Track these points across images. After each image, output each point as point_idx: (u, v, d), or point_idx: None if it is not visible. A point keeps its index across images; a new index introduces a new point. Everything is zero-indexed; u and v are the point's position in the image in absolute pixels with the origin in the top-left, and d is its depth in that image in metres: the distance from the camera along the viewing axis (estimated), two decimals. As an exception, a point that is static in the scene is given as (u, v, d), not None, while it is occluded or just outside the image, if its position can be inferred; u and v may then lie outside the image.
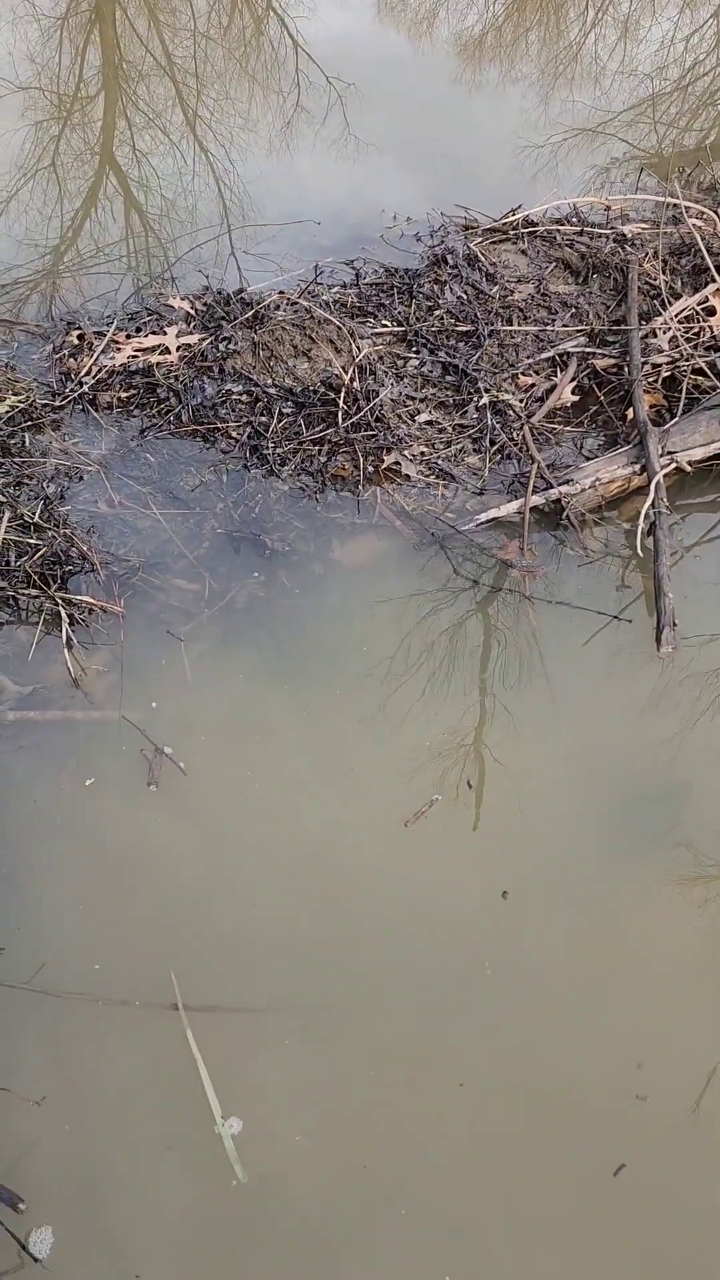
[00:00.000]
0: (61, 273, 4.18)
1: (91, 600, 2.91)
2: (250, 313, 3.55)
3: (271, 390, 3.42)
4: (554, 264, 3.90)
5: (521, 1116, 2.23)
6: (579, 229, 4.02)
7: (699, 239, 3.69)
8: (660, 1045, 2.33)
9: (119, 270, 4.21)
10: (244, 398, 3.41)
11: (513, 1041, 2.32)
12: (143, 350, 3.46)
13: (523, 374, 3.59)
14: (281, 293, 3.72)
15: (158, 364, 3.44)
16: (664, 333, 3.59)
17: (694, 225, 3.89)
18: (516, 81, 6.06)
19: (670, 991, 2.44)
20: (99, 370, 3.40)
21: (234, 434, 3.34)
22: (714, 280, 3.65)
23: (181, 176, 4.92)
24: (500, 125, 5.43)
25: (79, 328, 3.54)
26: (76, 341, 3.48)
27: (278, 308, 3.59)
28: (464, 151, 5.21)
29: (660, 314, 3.65)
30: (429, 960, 2.42)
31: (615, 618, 3.09)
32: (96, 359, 3.41)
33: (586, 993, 2.40)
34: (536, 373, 3.60)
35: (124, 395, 3.39)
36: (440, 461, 3.37)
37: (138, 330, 3.56)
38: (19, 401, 3.30)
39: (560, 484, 3.26)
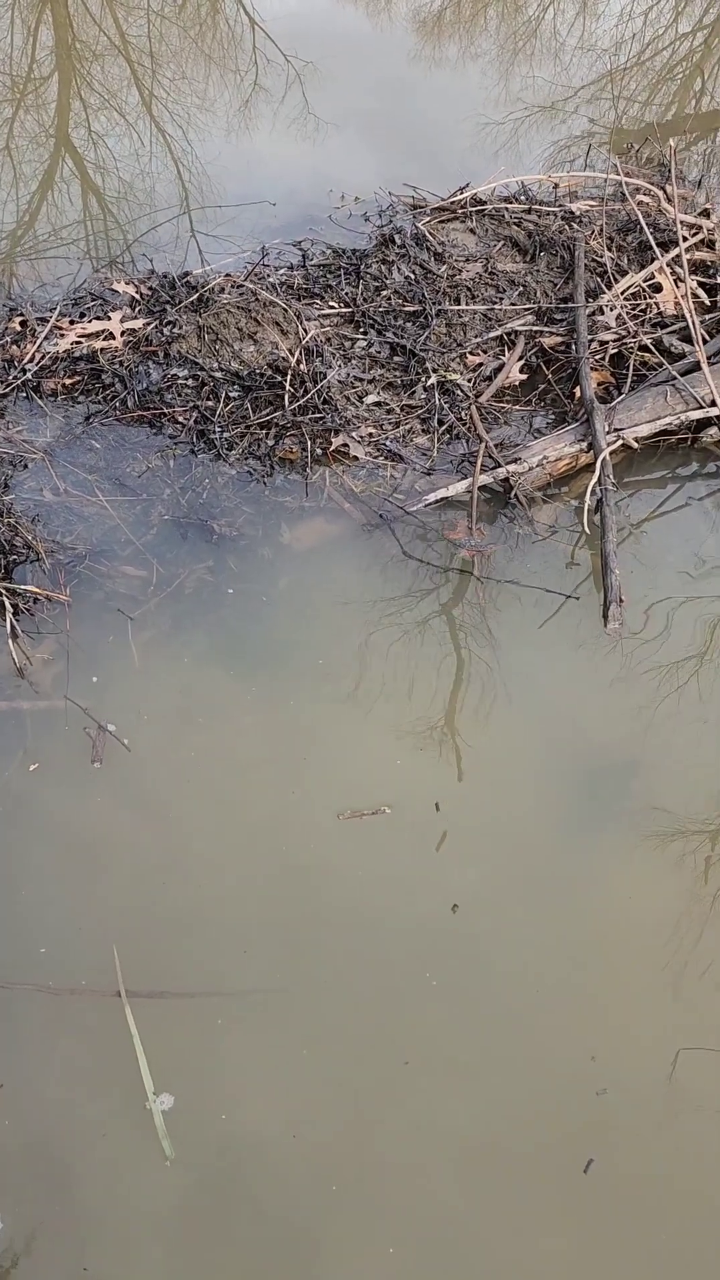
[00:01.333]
0: (17, 258, 4.14)
1: (36, 590, 2.90)
2: (195, 296, 3.52)
3: (218, 374, 3.40)
4: (502, 242, 3.89)
5: (473, 1102, 2.26)
6: (527, 207, 4.02)
7: (640, 216, 3.68)
8: (615, 1036, 2.35)
9: (76, 254, 4.18)
10: (190, 382, 3.39)
11: (465, 1028, 2.34)
12: (87, 336, 3.43)
13: (471, 353, 3.59)
14: (227, 275, 3.70)
15: (102, 349, 3.41)
16: (611, 310, 3.59)
17: (639, 202, 3.89)
18: (476, 58, 6.04)
19: (624, 980, 2.45)
20: (42, 357, 3.37)
21: (180, 419, 3.32)
22: (658, 257, 3.65)
23: (139, 158, 4.88)
24: (461, 102, 5.41)
25: (21, 314, 3.51)
26: (19, 328, 3.45)
27: (223, 290, 3.57)
28: (424, 129, 5.19)
29: (606, 292, 3.65)
30: (378, 950, 2.44)
31: (564, 595, 3.11)
32: (40, 345, 3.38)
33: (541, 985, 2.41)
34: (484, 352, 3.60)
35: (68, 382, 3.36)
36: (388, 442, 3.36)
37: (81, 316, 3.53)
38: (-38, 390, 3.27)
39: (508, 463, 3.27)
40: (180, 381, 3.39)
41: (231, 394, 3.38)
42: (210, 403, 3.35)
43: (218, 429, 3.31)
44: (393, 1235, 2.08)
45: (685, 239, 3.67)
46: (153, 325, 3.47)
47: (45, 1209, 2.05)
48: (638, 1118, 2.24)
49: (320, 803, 2.64)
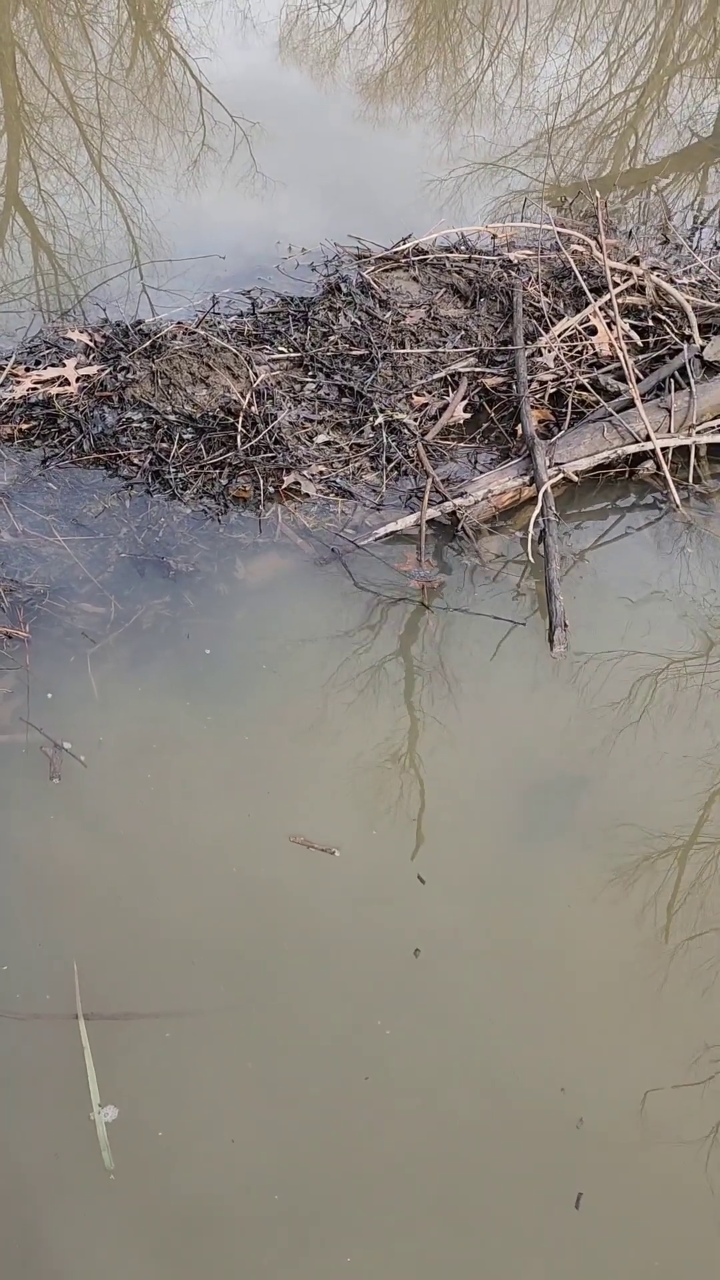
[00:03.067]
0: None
1: (-4, 626, 2.95)
2: (148, 343, 3.64)
3: (171, 417, 3.50)
4: (444, 289, 4.06)
5: (435, 1119, 2.31)
6: (467, 256, 4.19)
7: (573, 264, 3.87)
8: (585, 1065, 2.40)
9: (27, 309, 4.27)
10: (144, 425, 3.49)
11: (425, 1047, 2.39)
12: (42, 382, 3.53)
13: (416, 394, 3.72)
14: (179, 323, 3.82)
15: (58, 395, 3.51)
16: (549, 352, 3.76)
17: (573, 251, 4.08)
18: (418, 118, 6.27)
19: (593, 1008, 2.51)
20: (-1, 403, 3.46)
21: (136, 461, 3.42)
22: (591, 302, 3.83)
23: (89, 216, 5.00)
24: (404, 161, 5.62)
25: (-23, 362, 3.60)
26: (-24, 376, 3.54)
27: (175, 337, 3.69)
28: (369, 186, 5.38)
29: (544, 335, 3.81)
30: (336, 972, 2.49)
31: (512, 621, 3.22)
32: (-4, 392, 3.47)
33: (507, 1016, 2.47)
34: (429, 392, 3.74)
35: (24, 427, 3.45)
36: (339, 480, 3.48)
37: (37, 364, 3.63)
38: None
39: (455, 497, 3.39)
40: (135, 425, 3.49)
41: (185, 436, 3.48)
42: (165, 444, 3.45)
43: (172, 469, 3.40)
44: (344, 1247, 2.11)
45: (616, 284, 3.86)
46: (107, 371, 3.57)
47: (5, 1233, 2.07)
48: (617, 1150, 2.29)
49: (275, 830, 2.70)
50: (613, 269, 3.87)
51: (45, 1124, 2.20)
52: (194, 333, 3.71)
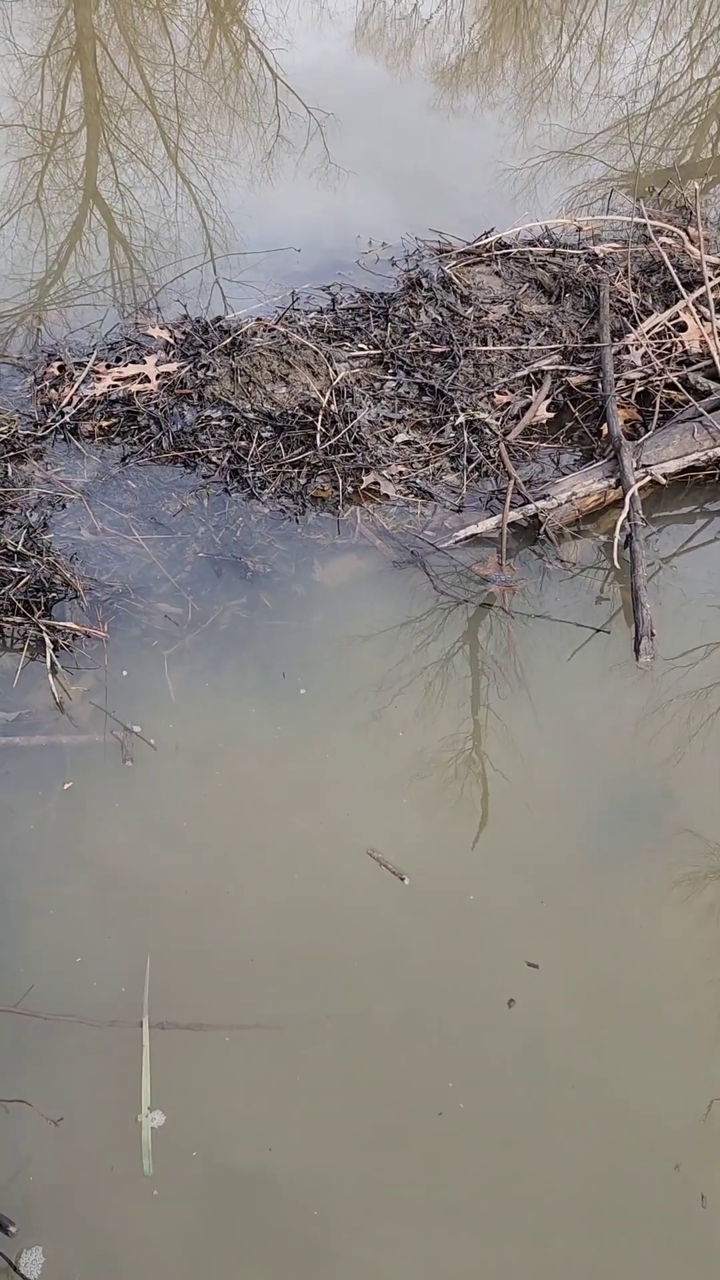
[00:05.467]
0: (47, 306, 4.24)
1: (75, 626, 2.94)
2: (228, 340, 3.60)
3: (250, 415, 3.47)
4: (527, 284, 3.96)
5: (495, 1161, 2.24)
6: (551, 250, 4.09)
7: (665, 257, 3.75)
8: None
9: (104, 302, 4.27)
10: (223, 423, 3.45)
11: (491, 1080, 2.33)
12: (123, 379, 3.51)
13: (498, 393, 3.64)
14: (259, 319, 3.78)
15: (138, 392, 3.49)
16: (636, 349, 3.64)
17: (663, 243, 3.96)
18: (494, 107, 6.16)
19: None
20: (80, 400, 3.45)
21: (214, 459, 3.39)
22: (683, 297, 3.71)
23: (165, 208, 4.99)
24: (478, 150, 5.53)
25: (59, 359, 3.60)
26: (57, 372, 3.53)
27: (255, 334, 3.65)
28: (443, 176, 5.30)
29: (632, 331, 3.70)
30: (414, 995, 2.44)
31: (595, 629, 3.13)
32: (77, 389, 3.47)
33: (592, 1051, 2.40)
34: (512, 391, 3.66)
35: (105, 424, 3.44)
36: (418, 480, 3.41)
37: (118, 360, 3.61)
38: (1, 433, 3.34)
39: (537, 499, 3.30)
40: (214, 423, 3.45)
41: (264, 434, 3.44)
42: (243, 443, 3.41)
43: (251, 468, 3.37)
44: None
45: (710, 278, 3.73)
46: (187, 368, 3.54)
47: (81, 1239, 2.05)
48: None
49: (351, 841, 2.65)
50: (706, 262, 3.74)
51: (99, 1127, 2.19)
52: (274, 329, 3.67)
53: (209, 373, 3.52)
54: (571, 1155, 2.22)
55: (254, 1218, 2.10)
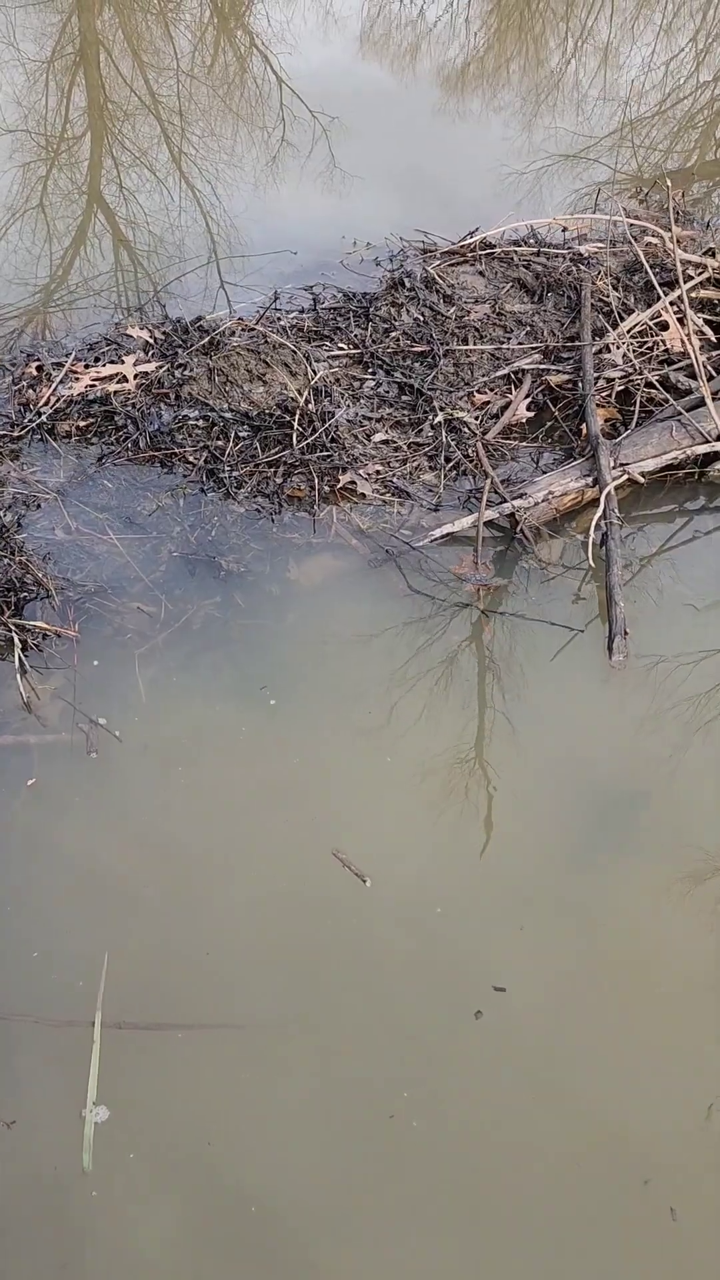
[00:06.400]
0: (50, 308, 4.26)
1: (45, 625, 2.95)
2: (206, 340, 3.61)
3: (228, 415, 3.47)
4: (510, 284, 3.95)
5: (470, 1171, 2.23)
6: (535, 250, 4.08)
7: (643, 257, 3.73)
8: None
9: (106, 304, 4.29)
10: (200, 423, 3.46)
11: (463, 1079, 2.31)
12: (100, 379, 3.52)
13: (478, 392, 3.63)
14: (239, 319, 3.79)
15: (115, 392, 3.50)
16: (617, 348, 3.62)
17: (646, 244, 3.94)
18: (499, 110, 6.16)
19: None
20: (57, 400, 3.47)
21: (191, 459, 3.39)
22: (663, 297, 3.69)
23: (169, 212, 5.01)
24: (484, 153, 5.52)
25: (38, 359, 3.61)
26: (35, 373, 3.55)
27: (233, 334, 3.65)
28: (448, 180, 5.30)
29: (612, 331, 3.68)
30: (382, 997, 2.42)
31: (570, 629, 3.11)
32: (55, 389, 3.48)
33: (571, 1049, 2.38)
34: (491, 390, 3.64)
35: (82, 424, 3.45)
36: (395, 479, 3.40)
37: (96, 360, 3.63)
38: (-21, 433, 3.37)
39: (514, 498, 3.29)
40: (191, 422, 3.46)
41: (241, 434, 3.44)
42: (220, 442, 3.42)
43: (227, 468, 3.37)
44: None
45: (690, 278, 3.70)
46: (164, 368, 3.55)
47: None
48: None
49: (320, 841, 2.64)
50: (685, 261, 3.72)
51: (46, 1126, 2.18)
52: (253, 329, 3.67)
53: (186, 372, 3.52)
54: (538, 1168, 2.20)
55: (198, 1216, 2.09)
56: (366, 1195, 2.14)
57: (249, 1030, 2.31)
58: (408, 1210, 2.11)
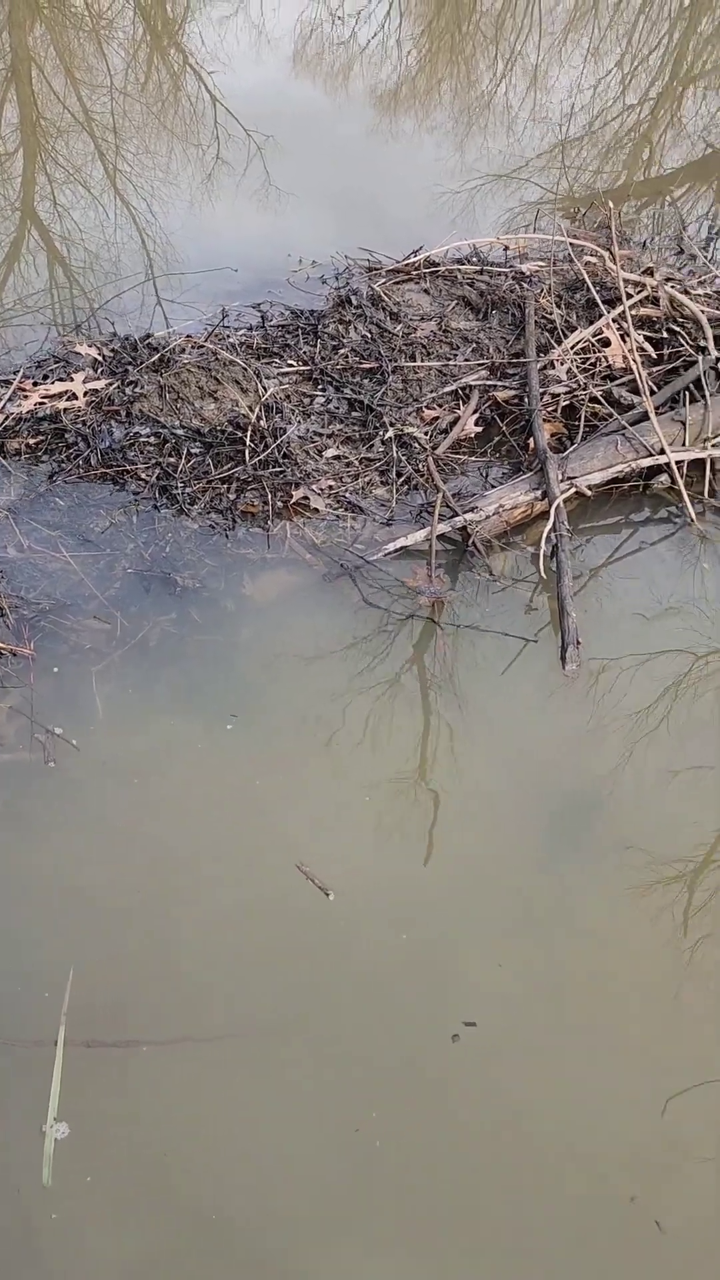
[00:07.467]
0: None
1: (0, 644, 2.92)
2: (156, 357, 3.61)
3: (179, 432, 3.47)
4: (455, 302, 4.02)
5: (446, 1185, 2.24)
6: (479, 268, 4.15)
7: (585, 275, 3.83)
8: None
9: (42, 321, 4.25)
10: (152, 440, 3.46)
11: (427, 1093, 2.33)
12: (50, 397, 3.50)
13: (427, 408, 3.68)
14: (188, 337, 3.79)
15: (65, 410, 3.48)
16: (561, 364, 3.71)
17: (586, 262, 4.04)
18: (432, 130, 6.24)
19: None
20: (5, 418, 3.44)
21: (143, 475, 3.39)
22: (605, 314, 3.78)
23: (104, 229, 4.99)
24: (418, 173, 5.59)
25: (-15, 377, 3.58)
26: (-17, 391, 3.52)
27: (183, 351, 3.66)
28: (383, 199, 5.35)
29: (556, 347, 3.77)
30: (342, 1010, 2.43)
31: (523, 639, 3.16)
32: (3, 407, 3.45)
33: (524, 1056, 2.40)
34: (440, 406, 3.70)
35: (32, 442, 3.42)
36: (348, 494, 3.44)
37: (45, 378, 3.61)
38: None
39: (465, 511, 3.34)
40: (143, 439, 3.46)
41: (193, 450, 3.45)
42: (172, 459, 3.42)
43: (180, 485, 3.37)
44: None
45: (630, 295, 3.81)
46: (115, 385, 3.54)
47: None
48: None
49: (282, 855, 2.64)
50: (626, 280, 3.82)
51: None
52: (202, 346, 3.68)
53: (137, 389, 3.52)
54: (499, 1184, 2.22)
55: (158, 1229, 2.08)
56: (335, 1213, 2.14)
57: (215, 1045, 2.30)
58: (375, 1230, 2.12)
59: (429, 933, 2.55)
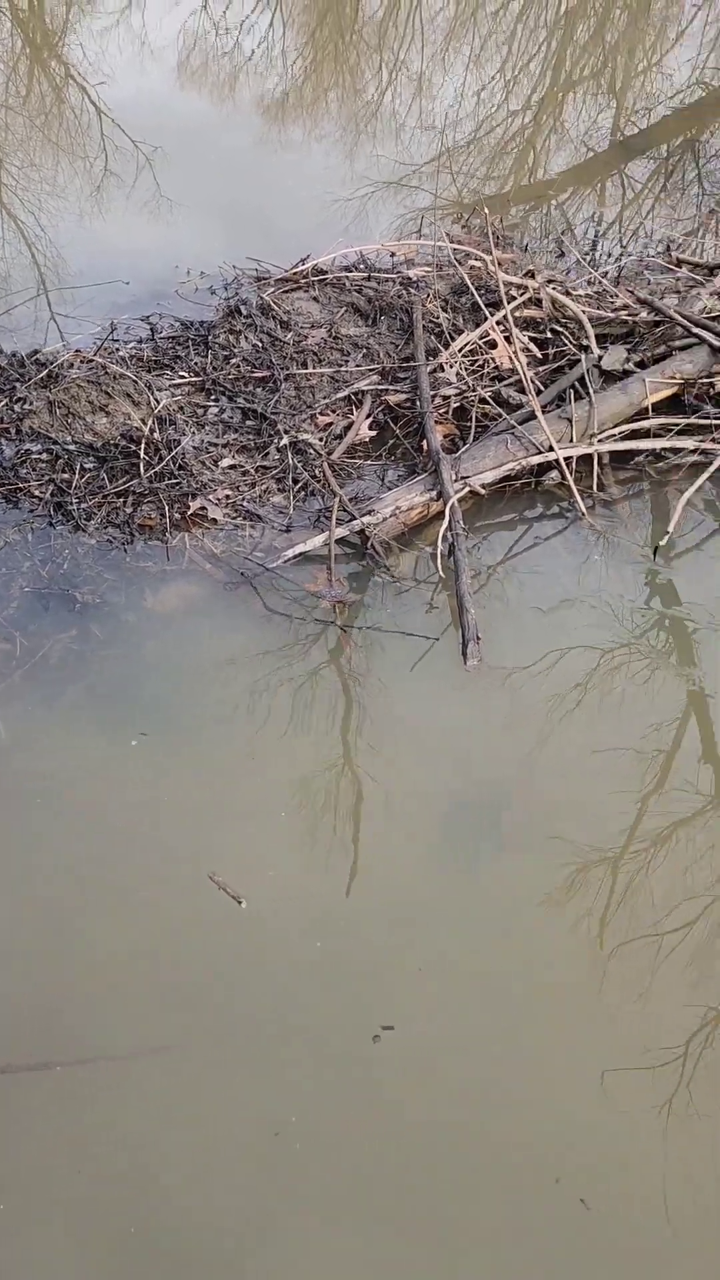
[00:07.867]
0: None
1: None
2: (44, 373, 3.58)
3: (72, 447, 3.45)
4: (344, 308, 4.07)
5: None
6: (366, 275, 4.21)
7: (467, 279, 3.91)
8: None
9: None
10: (44, 456, 3.43)
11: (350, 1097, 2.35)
12: (-64, 417, 3.45)
13: (320, 414, 3.72)
14: (76, 351, 3.77)
15: (-47, 429, 3.43)
16: (450, 367, 3.78)
17: (471, 267, 4.12)
18: (320, 139, 6.28)
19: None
20: None
21: (37, 493, 3.35)
22: (489, 317, 3.87)
23: (-10, 244, 4.91)
24: (308, 181, 5.62)
25: None
26: None
27: (72, 366, 3.63)
28: (274, 208, 5.37)
29: (445, 350, 3.84)
30: (261, 1020, 2.44)
31: (425, 637, 3.21)
32: None
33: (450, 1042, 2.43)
34: (334, 412, 3.74)
35: None
36: (246, 503, 3.45)
37: (-71, 398, 3.55)
38: None
39: (363, 515, 3.38)
40: (34, 456, 3.42)
41: (87, 465, 3.43)
42: (66, 475, 3.39)
43: (75, 500, 3.35)
44: None
45: (513, 298, 3.90)
46: (3, 403, 3.50)
47: None
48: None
49: (195, 866, 2.64)
50: (507, 283, 3.91)
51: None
52: (91, 360, 3.66)
53: (25, 406, 3.49)
54: (436, 1177, 2.26)
55: (76, 1249, 2.07)
56: (257, 1218, 2.15)
57: (129, 1061, 2.29)
58: (299, 1231, 2.14)
59: (346, 940, 2.57)
